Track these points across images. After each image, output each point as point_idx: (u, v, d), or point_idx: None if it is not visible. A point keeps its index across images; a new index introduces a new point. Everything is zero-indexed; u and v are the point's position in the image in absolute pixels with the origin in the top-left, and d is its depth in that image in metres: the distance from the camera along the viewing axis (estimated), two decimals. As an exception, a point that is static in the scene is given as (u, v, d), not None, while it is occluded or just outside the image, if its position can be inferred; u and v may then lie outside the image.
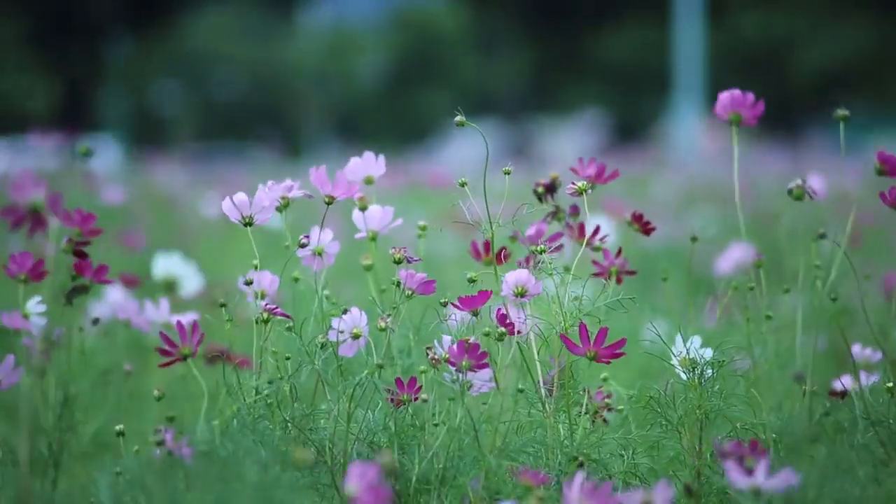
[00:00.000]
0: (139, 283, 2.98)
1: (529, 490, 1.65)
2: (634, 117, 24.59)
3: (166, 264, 2.76)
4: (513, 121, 26.13)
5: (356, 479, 1.51)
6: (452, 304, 1.85)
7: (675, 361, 1.89)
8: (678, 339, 1.89)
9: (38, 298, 1.97)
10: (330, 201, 1.92)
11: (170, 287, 2.74)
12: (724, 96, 1.97)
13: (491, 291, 1.86)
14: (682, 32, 18.93)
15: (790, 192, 1.96)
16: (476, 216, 1.88)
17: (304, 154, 22.06)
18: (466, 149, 16.82)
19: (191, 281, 2.78)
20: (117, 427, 1.90)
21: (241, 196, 1.90)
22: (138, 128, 26.49)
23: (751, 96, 1.97)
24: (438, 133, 24.45)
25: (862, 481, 1.73)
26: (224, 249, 6.15)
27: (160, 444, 1.77)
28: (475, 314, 1.85)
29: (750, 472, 1.60)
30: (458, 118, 1.88)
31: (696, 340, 1.89)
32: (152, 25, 28.22)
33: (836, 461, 1.73)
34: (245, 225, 1.90)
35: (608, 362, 1.83)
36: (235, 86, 28.70)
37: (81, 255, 1.95)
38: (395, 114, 27.85)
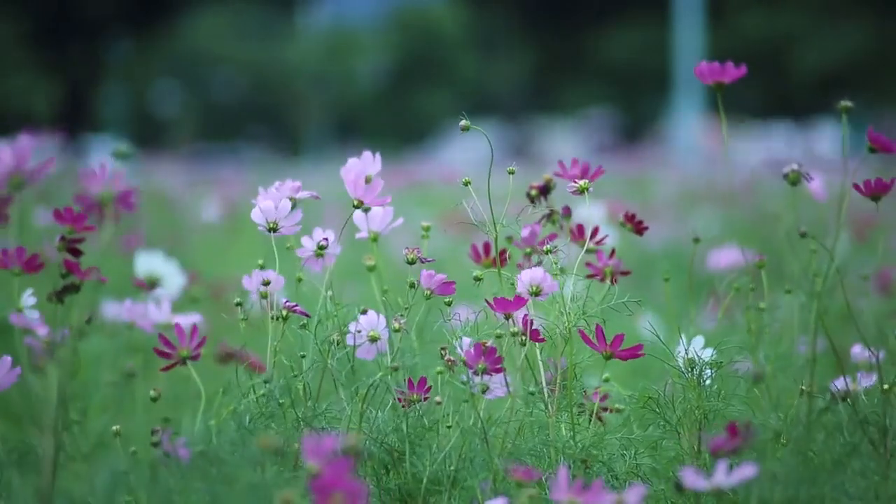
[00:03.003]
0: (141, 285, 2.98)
1: (521, 486, 1.65)
2: (634, 117, 24.59)
3: (148, 263, 2.70)
4: (513, 121, 26.12)
5: (313, 455, 1.44)
6: (488, 302, 1.85)
7: (679, 362, 1.90)
8: (682, 339, 1.90)
9: (29, 291, 1.97)
10: (359, 205, 1.93)
11: (153, 285, 2.70)
12: (703, 66, 2.00)
13: (526, 299, 1.86)
14: (682, 32, 18.92)
15: (786, 176, 1.96)
16: (477, 217, 1.88)
17: (303, 154, 22.05)
18: (466, 149, 16.82)
19: (173, 280, 2.73)
20: (114, 427, 1.90)
21: (267, 204, 1.91)
22: (138, 128, 26.49)
23: (730, 64, 2.00)
24: (438, 133, 24.44)
25: (837, 479, 1.73)
26: (225, 250, 6.16)
27: (156, 444, 1.77)
28: (508, 317, 1.85)
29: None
30: (462, 122, 1.88)
31: (699, 341, 1.90)
32: (152, 25, 28.22)
33: (807, 459, 1.74)
34: (270, 231, 1.91)
35: (625, 360, 1.84)
36: (235, 86, 28.70)
37: (75, 253, 1.95)
38: (395, 114, 27.86)
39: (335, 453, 1.44)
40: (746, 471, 1.58)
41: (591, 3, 28.50)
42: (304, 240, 1.94)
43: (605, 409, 1.99)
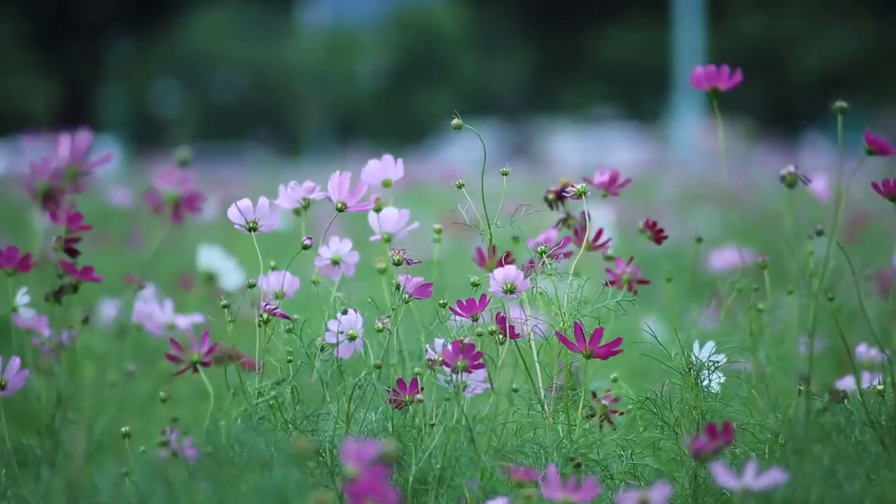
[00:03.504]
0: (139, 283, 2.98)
1: (521, 486, 1.65)
2: (635, 117, 24.59)
3: (209, 257, 2.74)
4: (513, 121, 26.13)
5: (355, 460, 1.48)
6: (451, 308, 1.85)
7: (678, 363, 1.89)
8: (696, 344, 1.89)
9: (24, 289, 1.97)
10: (342, 209, 1.92)
11: (210, 280, 2.74)
12: (699, 71, 1.99)
13: (489, 298, 1.86)
14: (682, 32, 18.93)
15: (783, 178, 1.96)
16: (476, 218, 1.88)
17: (303, 154, 22.06)
18: (466, 149, 16.82)
19: (231, 276, 2.76)
20: (123, 429, 1.90)
21: (245, 202, 1.89)
22: (138, 128, 26.49)
23: (725, 68, 1.99)
24: (438, 133, 24.45)
25: (862, 480, 1.73)
26: (225, 250, 6.15)
27: (164, 444, 1.77)
28: (475, 319, 1.85)
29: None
30: (455, 121, 1.87)
31: (710, 345, 1.89)
32: (152, 25, 28.23)
33: (837, 460, 1.74)
34: (249, 230, 1.89)
35: (605, 358, 1.83)
36: (235, 86, 28.71)
37: (72, 253, 1.95)
38: (395, 114, 27.86)
39: (373, 460, 1.46)
40: (776, 476, 1.58)
41: (591, 3, 28.51)
42: (322, 249, 1.93)
43: (612, 411, 1.99)
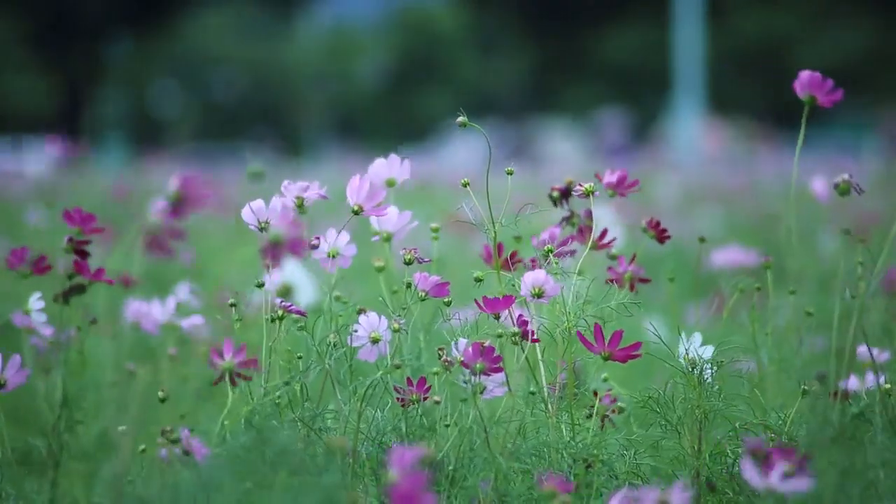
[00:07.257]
0: (135, 284, 2.99)
1: (553, 496, 1.64)
2: (635, 117, 24.59)
3: (288, 270, 2.81)
4: (513, 121, 26.13)
5: (397, 465, 1.50)
6: (476, 302, 1.84)
7: (680, 361, 1.89)
8: (682, 338, 1.89)
9: (38, 294, 1.97)
10: (358, 211, 1.92)
11: (285, 294, 2.80)
12: (804, 75, 1.95)
13: (514, 297, 1.85)
14: (682, 32, 18.92)
15: (836, 186, 1.93)
16: (478, 217, 1.88)
17: (304, 154, 22.05)
18: (466, 149, 16.82)
19: (305, 291, 2.83)
20: (121, 427, 1.90)
21: (258, 203, 1.90)
22: (138, 128, 26.48)
23: (830, 82, 1.96)
24: (438, 133, 24.44)
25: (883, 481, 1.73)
26: (226, 251, 6.15)
27: (175, 441, 1.77)
28: (497, 317, 1.84)
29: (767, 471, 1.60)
30: (460, 119, 1.87)
31: (697, 339, 1.89)
32: (152, 26, 28.22)
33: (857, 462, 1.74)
34: (261, 230, 1.90)
35: (623, 362, 1.83)
36: (235, 86, 28.70)
37: (83, 254, 1.95)
38: (395, 114, 27.85)
39: (414, 464, 1.49)
40: (802, 482, 1.58)
41: (591, 3, 28.50)
42: (319, 240, 1.93)
43: (614, 411, 1.99)
